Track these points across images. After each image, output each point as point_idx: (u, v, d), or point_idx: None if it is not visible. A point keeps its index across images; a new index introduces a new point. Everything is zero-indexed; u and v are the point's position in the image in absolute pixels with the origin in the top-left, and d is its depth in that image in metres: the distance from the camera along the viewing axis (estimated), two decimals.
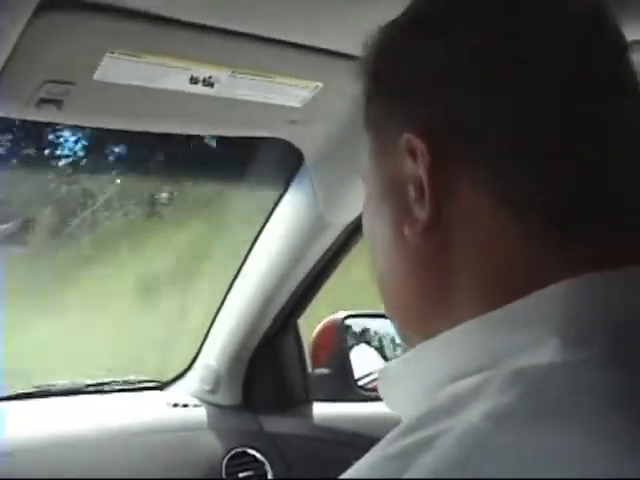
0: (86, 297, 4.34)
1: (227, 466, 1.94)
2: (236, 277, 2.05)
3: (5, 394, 2.13)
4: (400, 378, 0.65)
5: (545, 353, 0.52)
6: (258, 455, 1.99)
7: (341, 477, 0.54)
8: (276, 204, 1.87)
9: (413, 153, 0.61)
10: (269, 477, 1.97)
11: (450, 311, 0.61)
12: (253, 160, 1.81)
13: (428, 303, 0.64)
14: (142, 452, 1.91)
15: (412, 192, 0.62)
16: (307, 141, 1.62)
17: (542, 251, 0.58)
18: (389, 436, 0.53)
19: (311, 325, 2.18)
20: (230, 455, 1.97)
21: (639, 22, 1.15)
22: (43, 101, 1.22)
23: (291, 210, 1.85)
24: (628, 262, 0.57)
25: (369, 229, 0.71)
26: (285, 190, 1.84)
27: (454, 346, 0.59)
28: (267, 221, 1.92)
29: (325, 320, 2.12)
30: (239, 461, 1.97)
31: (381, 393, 0.67)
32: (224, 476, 1.92)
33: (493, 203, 0.59)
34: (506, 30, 0.61)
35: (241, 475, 1.95)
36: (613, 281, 0.56)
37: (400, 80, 0.66)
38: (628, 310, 0.55)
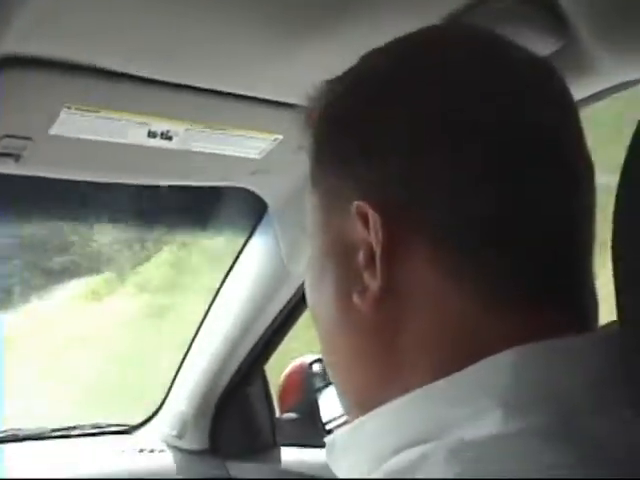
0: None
1: None
2: (202, 322, 2.05)
3: None
4: (346, 448, 0.64)
5: (487, 424, 0.53)
6: None
7: None
8: (240, 251, 1.88)
9: (364, 219, 0.61)
10: None
11: (397, 381, 0.60)
12: (218, 207, 1.81)
13: (374, 375, 0.63)
14: None
15: (362, 258, 0.61)
16: (270, 190, 1.63)
17: (488, 320, 0.58)
18: None
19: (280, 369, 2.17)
20: None
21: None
22: (1, 155, 1.23)
23: (255, 258, 1.86)
24: (569, 329, 0.58)
25: (312, 291, 0.69)
26: (249, 237, 1.84)
27: (398, 416, 0.59)
28: (232, 267, 1.92)
29: (292, 364, 2.12)
30: None
31: (329, 463, 0.66)
32: None
33: (444, 273, 0.58)
34: (468, 95, 0.61)
35: None
36: (555, 350, 0.56)
37: (352, 143, 0.64)
38: (569, 378, 0.56)
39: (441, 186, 0.59)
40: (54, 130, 1.20)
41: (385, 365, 0.61)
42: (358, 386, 0.65)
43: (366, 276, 0.61)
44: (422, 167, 0.60)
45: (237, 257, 1.90)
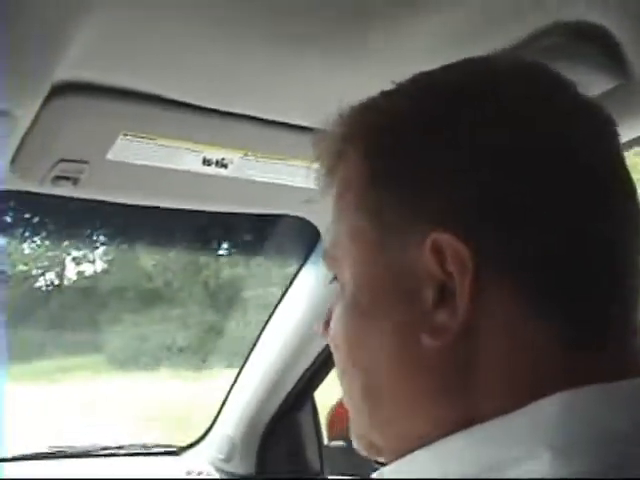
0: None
1: None
2: (254, 348, 2.05)
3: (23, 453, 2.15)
4: None
5: (534, 467, 0.52)
6: None
7: None
8: (294, 278, 1.88)
9: (440, 254, 0.57)
10: None
11: (461, 420, 0.58)
12: (273, 234, 1.82)
13: (438, 414, 0.60)
14: None
15: (431, 295, 0.58)
16: (323, 219, 1.62)
17: (564, 363, 0.57)
18: None
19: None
20: None
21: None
22: (58, 178, 1.25)
23: (308, 285, 1.85)
24: (621, 374, 0.57)
25: (352, 334, 0.65)
26: (303, 264, 1.84)
27: (448, 453, 0.58)
28: (285, 294, 1.92)
29: None
30: None
31: None
32: None
33: (527, 311, 0.57)
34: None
35: None
36: (606, 393, 0.55)
37: (419, 171, 0.60)
38: (619, 422, 0.54)
39: (523, 220, 0.57)
40: (111, 155, 1.22)
41: (452, 403, 0.59)
42: (412, 427, 0.63)
43: (442, 314, 0.58)
44: (505, 198, 0.58)
45: (290, 283, 1.90)
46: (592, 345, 0.58)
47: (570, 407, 0.54)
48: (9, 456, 2.13)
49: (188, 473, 2.10)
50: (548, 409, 0.54)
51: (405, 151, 0.62)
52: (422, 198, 0.60)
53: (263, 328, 2.01)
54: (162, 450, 2.31)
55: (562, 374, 0.56)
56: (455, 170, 0.59)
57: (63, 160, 1.21)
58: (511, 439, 0.54)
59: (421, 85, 0.66)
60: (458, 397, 0.59)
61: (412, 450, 0.61)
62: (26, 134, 1.12)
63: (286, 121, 1.23)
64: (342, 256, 0.65)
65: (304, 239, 1.78)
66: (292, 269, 1.86)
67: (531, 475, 0.51)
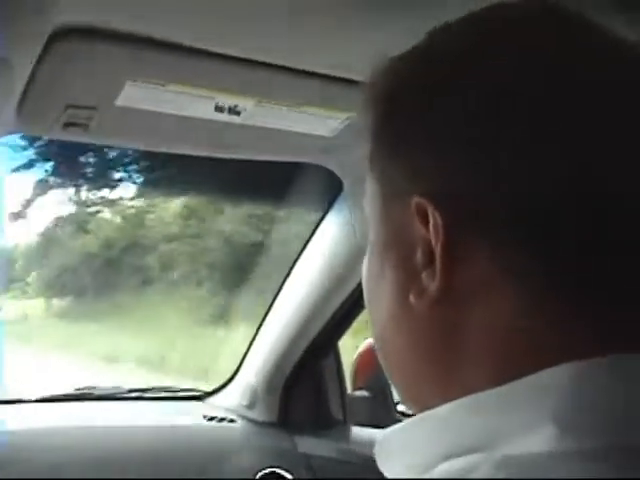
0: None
1: None
2: (277, 295, 2.04)
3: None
4: (396, 449, 0.62)
5: (538, 440, 0.50)
6: (289, 476, 1.97)
7: None
8: (316, 227, 1.85)
9: (424, 216, 0.57)
10: None
11: (452, 384, 0.58)
12: (295, 182, 1.79)
13: (429, 374, 0.60)
14: (172, 463, 1.91)
15: (420, 257, 0.58)
16: (344, 168, 1.59)
17: (553, 325, 0.54)
18: None
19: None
20: (261, 474, 1.95)
21: None
22: (68, 124, 1.22)
23: (330, 234, 1.83)
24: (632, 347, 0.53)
25: (370, 283, 0.66)
26: (325, 214, 1.82)
27: (449, 422, 0.56)
28: (307, 243, 1.90)
29: (367, 341, 2.09)
30: None
31: (377, 461, 0.64)
32: None
33: (507, 273, 0.55)
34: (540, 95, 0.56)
35: None
36: (616, 368, 0.53)
37: (413, 131, 0.61)
38: (630, 402, 0.52)
39: (504, 182, 0.55)
40: (120, 101, 1.19)
41: (439, 366, 0.59)
42: (411, 383, 0.64)
43: (424, 276, 0.58)
44: (487, 162, 0.56)
45: (313, 233, 1.88)
46: (600, 310, 0.54)
47: (578, 380, 0.52)
48: (36, 397, 2.16)
49: (210, 418, 2.11)
50: (556, 381, 0.52)
51: (399, 117, 0.62)
52: (409, 157, 0.60)
53: (286, 277, 2.00)
54: (186, 395, 2.33)
55: (560, 343, 0.54)
56: (429, 140, 0.59)
57: (71, 106, 1.18)
58: (515, 409, 0.52)
59: (436, 39, 0.64)
60: (444, 363, 0.59)
61: (416, 408, 0.62)
62: (30, 81, 1.09)
63: (301, 68, 1.19)
64: (368, 212, 0.67)
65: (326, 189, 1.75)
66: (314, 218, 1.83)
67: (533, 448, 0.50)
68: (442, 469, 0.53)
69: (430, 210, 0.56)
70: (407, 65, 0.64)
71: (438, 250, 0.56)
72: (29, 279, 6.11)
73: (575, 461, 0.49)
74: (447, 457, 0.54)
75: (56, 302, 5.87)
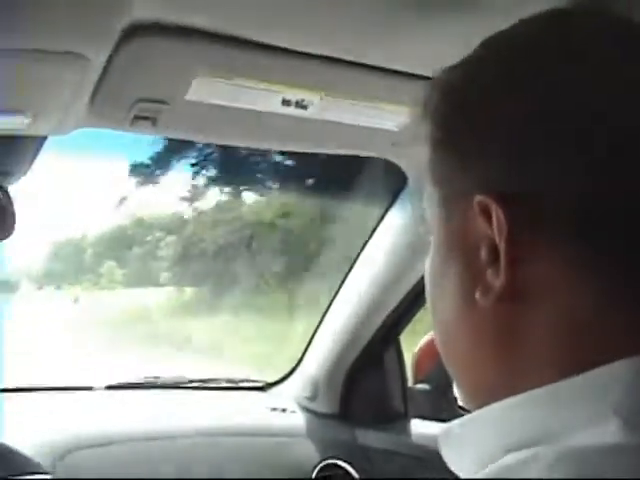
0: None
1: (317, 477, 1.95)
2: (340, 287, 2.05)
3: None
4: (459, 441, 0.63)
5: (601, 434, 0.50)
6: (350, 468, 1.98)
7: None
8: (380, 220, 1.86)
9: (487, 214, 0.58)
10: None
11: (515, 379, 0.58)
12: (360, 176, 1.79)
13: (493, 369, 0.61)
14: (234, 453, 1.93)
15: (485, 255, 0.59)
16: (409, 163, 1.59)
17: (618, 321, 0.55)
18: None
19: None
20: (321, 466, 1.96)
21: None
22: (137, 118, 1.24)
23: (395, 227, 1.83)
24: None
25: (433, 283, 0.67)
26: (389, 208, 1.82)
27: (511, 416, 0.57)
28: (371, 236, 1.90)
29: (429, 335, 2.08)
30: (330, 472, 1.96)
31: (442, 452, 0.65)
32: None
33: (572, 269, 0.55)
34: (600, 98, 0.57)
35: None
36: None
37: (471, 134, 0.61)
38: None
39: (568, 179, 0.55)
40: (189, 95, 1.20)
41: (503, 361, 0.59)
42: (473, 380, 0.64)
43: (489, 274, 0.58)
44: (553, 159, 0.56)
45: (376, 226, 1.88)
46: None
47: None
48: (106, 384, 2.21)
49: (273, 409, 2.13)
50: (616, 374, 0.53)
51: (460, 117, 0.63)
52: (469, 158, 0.61)
53: (350, 269, 2.00)
54: (249, 385, 2.35)
55: (625, 338, 0.54)
56: (493, 141, 0.60)
57: (141, 100, 1.20)
58: (578, 403, 0.53)
59: (490, 46, 0.65)
60: (507, 358, 0.59)
61: (476, 403, 0.62)
62: (103, 75, 1.11)
63: (368, 62, 1.19)
64: (429, 214, 0.68)
65: (391, 183, 1.75)
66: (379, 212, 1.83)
67: (595, 441, 0.50)
68: (504, 462, 0.53)
69: (493, 208, 0.57)
70: (475, 64, 0.64)
71: (502, 248, 0.57)
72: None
73: (631, 454, 0.49)
74: (509, 450, 0.54)
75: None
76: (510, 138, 0.58)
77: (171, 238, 5.40)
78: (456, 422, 0.63)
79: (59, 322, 5.92)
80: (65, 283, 6.27)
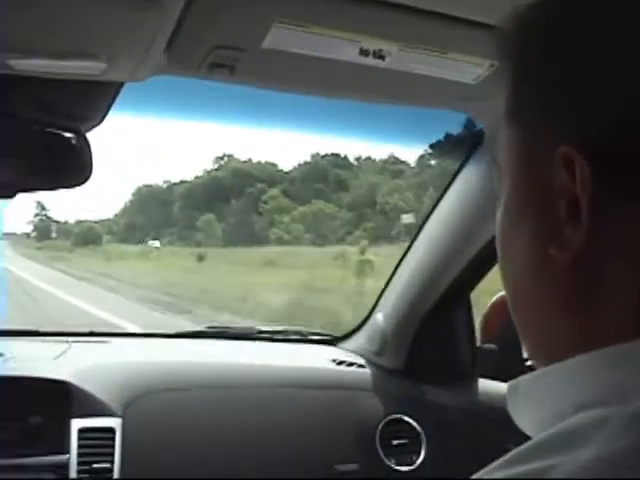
0: None
1: (382, 431, 1.95)
2: (412, 243, 2.04)
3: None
4: (527, 397, 0.62)
5: None
6: (415, 424, 1.99)
7: None
8: (454, 176, 1.84)
9: (570, 167, 0.55)
10: (423, 448, 1.96)
11: (588, 337, 0.57)
12: (436, 129, 1.78)
13: (566, 326, 0.59)
14: (299, 404, 1.96)
15: (564, 209, 0.57)
16: (486, 117, 1.57)
17: None
18: (496, 463, 0.52)
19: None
20: (387, 420, 1.97)
21: None
22: (215, 65, 1.25)
23: (469, 185, 1.82)
24: None
25: (505, 233, 0.65)
26: (465, 163, 1.80)
27: (583, 374, 0.56)
28: (445, 192, 1.89)
29: (500, 294, 2.07)
30: (395, 427, 1.98)
31: (509, 408, 0.64)
32: (377, 441, 1.93)
33: None
34: None
35: (395, 442, 1.95)
36: None
37: (564, 80, 0.58)
38: None
39: None
40: (266, 43, 1.20)
41: (577, 318, 0.58)
42: (544, 335, 0.62)
43: (568, 229, 0.56)
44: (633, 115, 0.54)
45: (451, 182, 1.86)
46: None
47: None
48: (170, 332, 2.25)
49: (340, 362, 2.14)
50: None
51: (548, 64, 0.60)
52: (554, 105, 0.59)
53: (422, 225, 1.99)
54: (317, 338, 2.36)
55: None
56: (584, 88, 0.57)
57: (218, 47, 1.20)
58: None
59: None
60: (582, 315, 0.57)
61: (546, 362, 0.60)
62: (179, 21, 1.11)
63: (447, 12, 1.17)
64: (502, 162, 0.65)
65: (467, 136, 1.73)
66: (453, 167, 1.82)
67: None
68: (570, 421, 0.52)
69: (578, 161, 0.55)
70: (555, 12, 0.61)
71: (585, 203, 0.55)
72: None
73: None
74: (579, 409, 0.53)
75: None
76: (601, 85, 0.56)
77: None
78: (525, 377, 0.62)
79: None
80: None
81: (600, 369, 0.54)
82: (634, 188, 0.54)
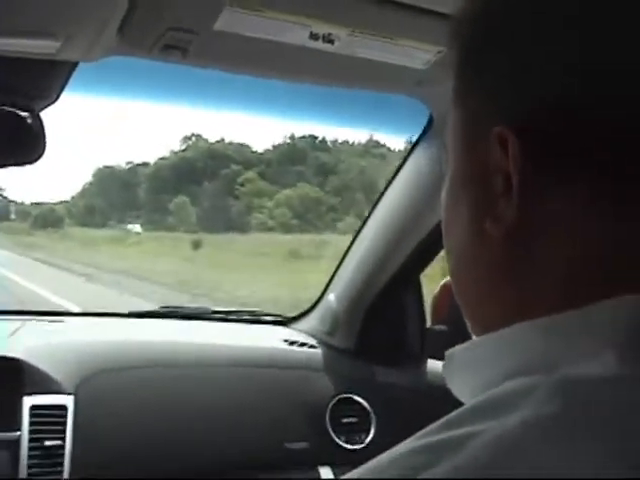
0: None
1: (332, 410, 1.98)
2: (363, 226, 2.06)
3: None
4: (461, 366, 0.64)
5: (598, 365, 0.51)
6: (365, 403, 2.02)
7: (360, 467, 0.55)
8: (404, 161, 1.86)
9: (504, 145, 0.58)
10: (372, 427, 1.99)
11: (521, 309, 0.59)
12: (386, 114, 1.79)
13: (500, 298, 0.62)
14: (250, 384, 1.97)
15: (499, 185, 0.59)
16: (435, 102, 1.59)
17: (622, 260, 0.55)
18: (425, 430, 0.54)
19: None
20: (337, 399, 2.00)
21: None
22: (168, 47, 1.26)
23: (418, 167, 1.84)
24: None
25: (447, 210, 0.68)
26: (414, 147, 1.82)
27: (513, 344, 0.58)
28: (395, 176, 1.91)
29: (448, 277, 2.10)
30: (345, 406, 2.00)
31: (445, 376, 0.66)
32: (328, 419, 1.96)
33: (583, 206, 0.56)
34: None
35: (344, 421, 1.98)
36: None
37: (496, 61, 0.61)
38: None
39: (586, 113, 0.55)
40: (218, 26, 1.21)
41: (510, 290, 0.60)
42: (483, 311, 0.65)
43: (501, 204, 0.59)
44: (572, 92, 0.56)
45: (401, 165, 1.89)
46: None
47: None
48: (125, 312, 2.25)
49: (291, 343, 2.16)
50: (618, 309, 0.53)
51: (484, 48, 0.62)
52: (492, 87, 0.61)
53: (373, 208, 2.02)
54: (270, 319, 2.38)
55: (632, 274, 0.55)
56: (518, 73, 0.59)
57: (171, 29, 1.21)
58: (576, 334, 0.54)
59: None
60: (515, 289, 0.60)
61: (480, 333, 0.63)
62: (133, 2, 1.12)
63: (397, 0, 1.19)
64: (449, 144, 0.67)
65: (416, 121, 1.76)
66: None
67: (592, 372, 0.51)
68: (502, 389, 0.54)
69: (511, 139, 0.57)
70: (496, 1, 0.63)
71: (516, 179, 0.57)
72: None
73: (633, 386, 0.50)
74: (509, 377, 0.55)
75: None
76: (529, 70, 0.58)
77: None
78: (460, 346, 0.64)
79: None
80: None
81: (528, 339, 0.57)
82: (564, 166, 0.56)
